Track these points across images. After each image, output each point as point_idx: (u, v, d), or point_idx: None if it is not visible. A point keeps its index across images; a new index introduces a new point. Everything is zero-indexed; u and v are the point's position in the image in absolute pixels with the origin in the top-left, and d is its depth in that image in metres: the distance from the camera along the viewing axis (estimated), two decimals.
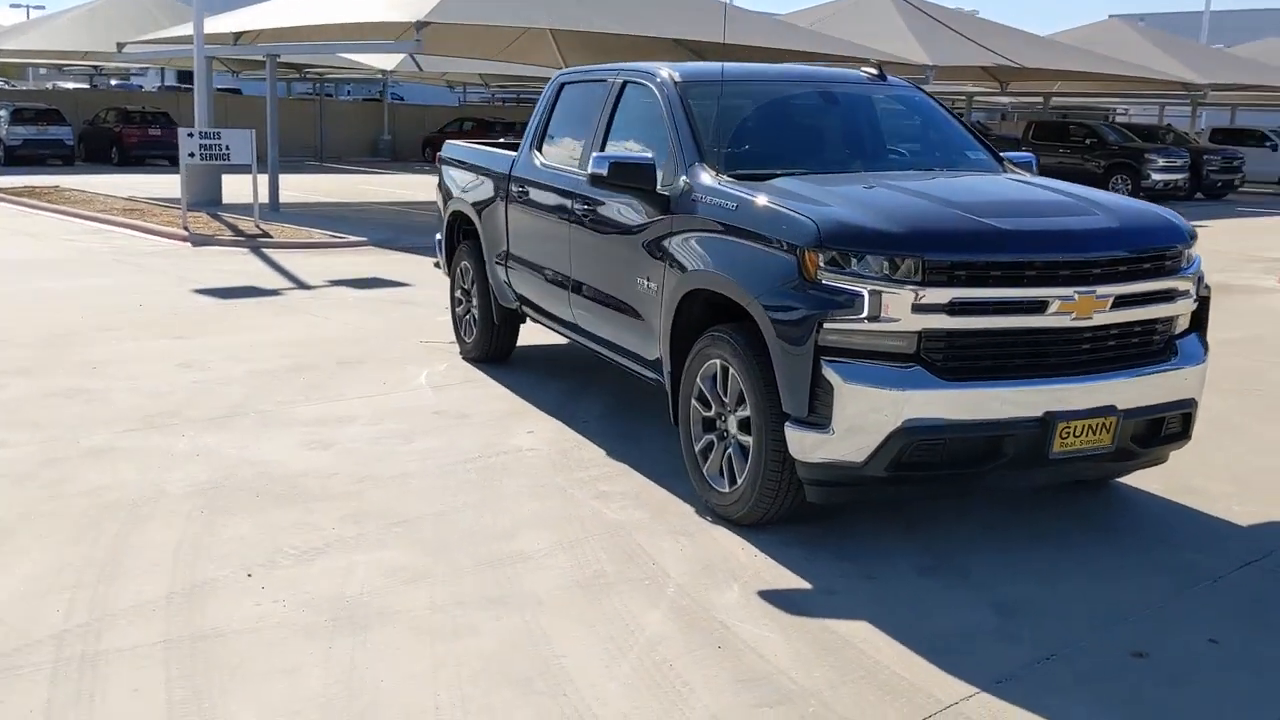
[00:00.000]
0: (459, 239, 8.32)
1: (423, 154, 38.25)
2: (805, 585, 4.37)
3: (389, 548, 4.67)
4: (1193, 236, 4.84)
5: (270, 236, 14.94)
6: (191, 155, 15.38)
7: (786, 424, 4.49)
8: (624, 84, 6.23)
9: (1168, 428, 4.81)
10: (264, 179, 17.14)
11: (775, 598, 4.25)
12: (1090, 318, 4.46)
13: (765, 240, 4.65)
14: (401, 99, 50.92)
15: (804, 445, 4.45)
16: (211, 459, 5.74)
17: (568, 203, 6.30)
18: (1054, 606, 4.24)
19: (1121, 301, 4.54)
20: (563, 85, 7.00)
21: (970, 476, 4.50)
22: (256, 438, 6.12)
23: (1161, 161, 26.74)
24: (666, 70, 5.95)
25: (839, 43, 21.28)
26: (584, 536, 4.83)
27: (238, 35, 19.19)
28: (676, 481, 5.49)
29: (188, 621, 3.97)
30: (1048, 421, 4.39)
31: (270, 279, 11.74)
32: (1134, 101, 42.31)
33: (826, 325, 4.33)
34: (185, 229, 15.09)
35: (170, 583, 4.27)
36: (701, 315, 5.22)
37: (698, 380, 5.10)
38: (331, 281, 11.68)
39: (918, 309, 4.28)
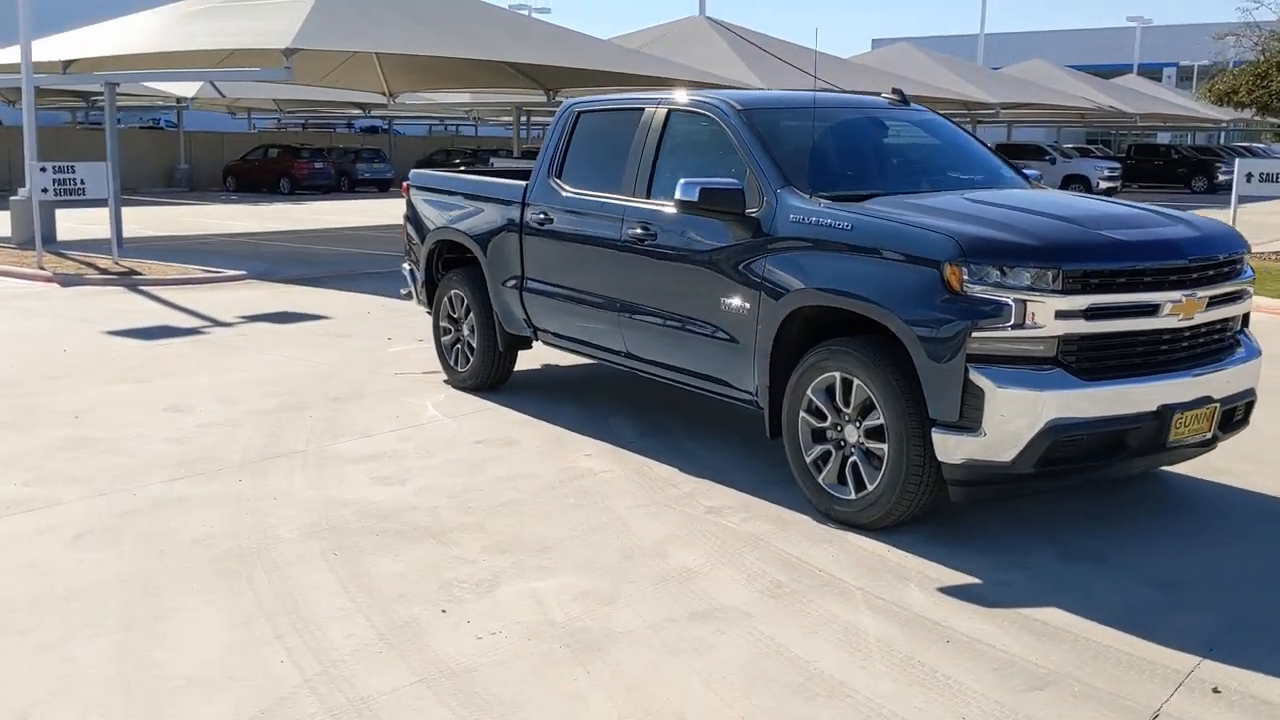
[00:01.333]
0: (439, 268, 8.28)
1: (223, 183, 36.96)
2: (974, 580, 4.67)
3: (557, 574, 4.72)
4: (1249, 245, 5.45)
5: (140, 274, 14.28)
6: (45, 191, 14.55)
7: (934, 429, 4.78)
8: (668, 113, 6.41)
9: (1238, 415, 5.36)
10: (103, 213, 16.32)
11: (959, 593, 4.53)
12: (1192, 318, 4.95)
13: (897, 256, 4.94)
14: (175, 125, 48.88)
15: (952, 448, 4.76)
16: (295, 502, 5.62)
17: (615, 229, 6.42)
18: (1202, 580, 4.68)
19: (1213, 302, 5.05)
20: (579, 114, 7.11)
21: (1100, 468, 4.90)
22: (320, 478, 6.01)
23: None
24: (725, 99, 6.18)
25: (684, 68, 21.84)
26: (731, 550, 4.99)
27: (67, 63, 18.19)
28: (770, 490, 5.73)
29: (426, 660, 3.95)
30: (1163, 414, 4.84)
31: (178, 318, 11.28)
32: None
33: (974, 334, 4.64)
34: (42, 268, 14.25)
35: (371, 624, 4.22)
36: (800, 332, 5.46)
37: (808, 393, 5.34)
38: (245, 317, 11.32)
39: (1059, 315, 4.65)
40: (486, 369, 7.86)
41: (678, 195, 5.68)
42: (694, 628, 4.21)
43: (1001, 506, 5.47)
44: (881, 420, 5.02)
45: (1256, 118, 43.68)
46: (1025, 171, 6.65)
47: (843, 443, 5.26)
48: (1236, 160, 16.98)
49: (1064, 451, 4.74)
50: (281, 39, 14.97)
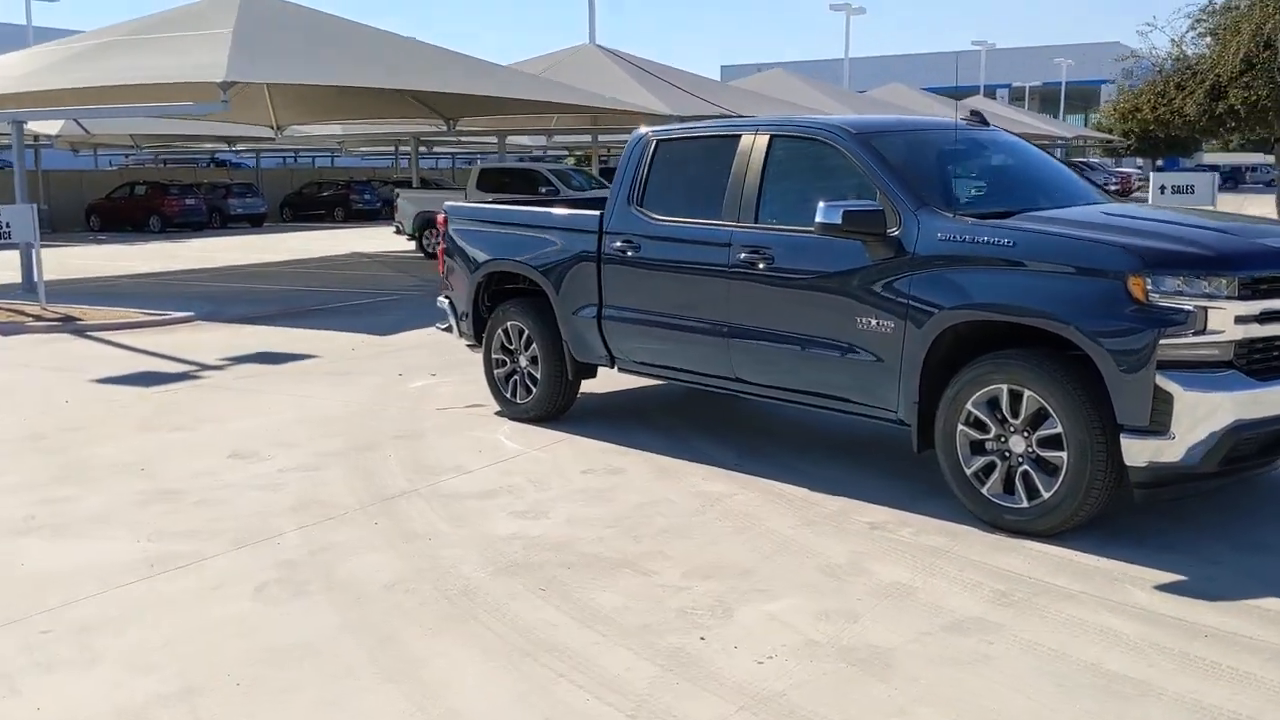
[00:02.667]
0: (485, 300, 8.20)
1: (87, 222, 35.46)
2: (1179, 577, 4.87)
3: (779, 595, 4.75)
4: None
5: (80, 319, 13.66)
6: None
7: (1122, 434, 4.99)
8: (771, 139, 6.51)
9: None
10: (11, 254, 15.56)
11: (1176, 590, 4.73)
12: None
13: (1070, 270, 5.14)
14: (8, 165, 46.57)
15: (1141, 452, 4.97)
16: (453, 541, 5.53)
17: (722, 254, 6.48)
18: None
19: None
20: (657, 143, 7.15)
21: (1269, 464, 5.18)
22: (457, 515, 5.93)
23: None
24: (835, 124, 6.32)
25: (595, 95, 21.95)
26: (926, 563, 5.10)
27: None
28: (916, 504, 5.89)
29: (726, 688, 3.94)
30: None
31: (157, 363, 10.84)
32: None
33: (1161, 342, 4.87)
34: None
35: (639, 655, 4.19)
36: (948, 348, 5.62)
37: (968, 406, 5.49)
38: (229, 359, 10.95)
39: (1237, 320, 4.92)
40: (552, 399, 7.80)
41: (819, 219, 5.77)
42: (956, 639, 4.28)
43: (1134, 505, 5.63)
44: (1059, 429, 5.18)
45: (1115, 138, 45.77)
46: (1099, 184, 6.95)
47: (1008, 453, 5.41)
48: (1151, 174, 17.96)
49: (1243, 449, 4.99)
50: (215, 72, 14.52)
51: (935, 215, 5.67)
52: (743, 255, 6.39)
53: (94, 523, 5.87)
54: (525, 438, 7.53)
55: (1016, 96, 67.28)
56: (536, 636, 4.36)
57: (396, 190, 24.35)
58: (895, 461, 6.70)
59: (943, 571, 4.98)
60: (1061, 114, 62.74)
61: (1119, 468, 5.10)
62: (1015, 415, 5.36)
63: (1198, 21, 23.10)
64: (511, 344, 7.98)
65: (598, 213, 7.37)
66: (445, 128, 25.49)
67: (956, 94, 47.11)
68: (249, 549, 5.44)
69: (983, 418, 5.46)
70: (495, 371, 8.14)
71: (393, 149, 44.00)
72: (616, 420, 7.94)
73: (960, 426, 5.54)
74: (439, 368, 10.11)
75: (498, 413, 8.23)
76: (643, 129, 7.43)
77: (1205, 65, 22.97)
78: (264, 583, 4.99)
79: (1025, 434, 5.34)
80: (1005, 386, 5.36)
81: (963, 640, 4.27)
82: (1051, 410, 5.19)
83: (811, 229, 6.03)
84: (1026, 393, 5.28)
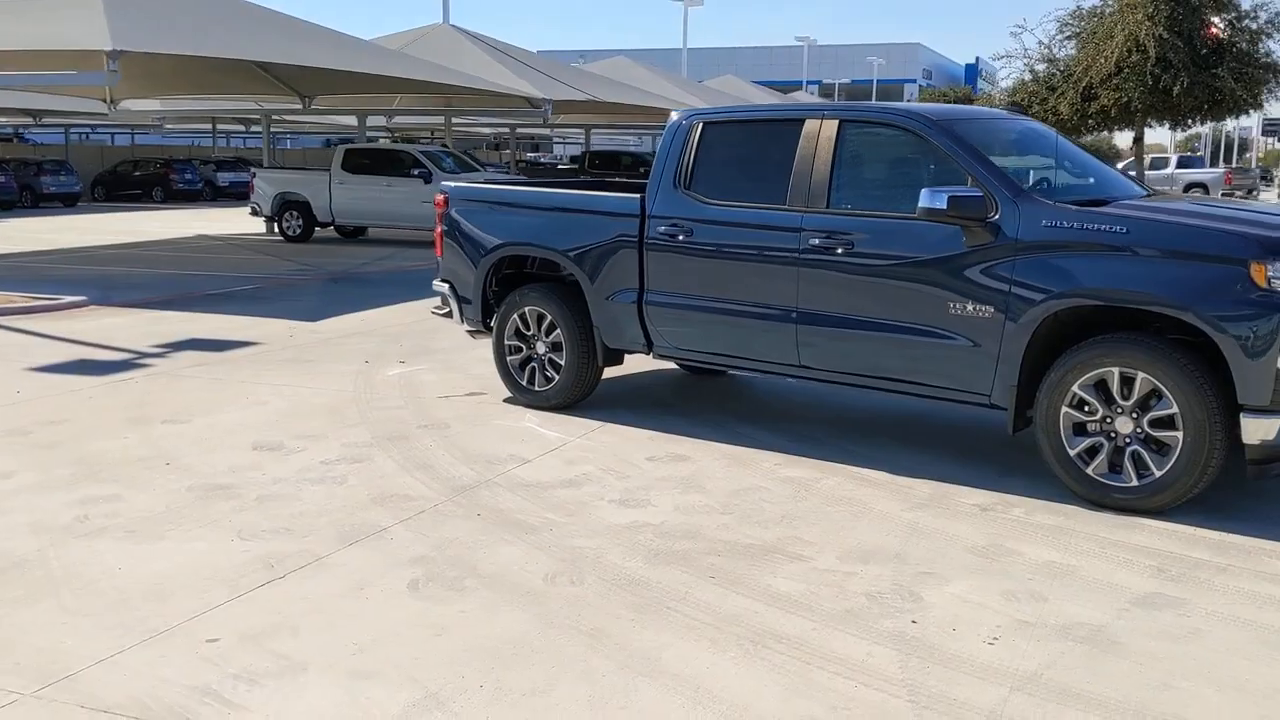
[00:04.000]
0: (492, 284, 7.98)
1: None
2: None
3: (951, 579, 4.79)
4: None
5: None
6: None
7: (1243, 414, 5.24)
8: (840, 124, 6.54)
9: None
10: None
11: None
12: None
13: (1188, 256, 5.36)
14: None
15: (1258, 430, 5.23)
16: (578, 530, 5.37)
17: (791, 239, 6.48)
18: None
19: None
20: (704, 125, 7.09)
21: None
22: (558, 504, 5.76)
23: None
24: (915, 111, 6.40)
25: (462, 75, 21.53)
26: (1066, 543, 5.23)
27: None
28: (1001, 483, 6.06)
29: (979, 669, 3.96)
30: None
31: (87, 352, 10.07)
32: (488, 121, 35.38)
33: None
34: None
35: (865, 640, 4.16)
36: (1048, 333, 5.78)
37: (1074, 389, 5.66)
38: (164, 346, 10.31)
39: None
40: (576, 386, 7.65)
41: (924, 204, 5.83)
42: (1154, 614, 4.42)
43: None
44: (1173, 409, 5.39)
45: None
46: None
47: (1113, 434, 5.60)
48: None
49: None
50: (101, 40, 13.59)
51: (1036, 202, 5.80)
52: (816, 241, 6.38)
53: (162, 522, 5.44)
54: (560, 426, 7.35)
55: (826, 93, 69.35)
56: (750, 624, 4.28)
57: (253, 170, 23.29)
58: (948, 442, 6.87)
59: (1087, 550, 5.11)
60: None
61: (1228, 446, 5.33)
62: (1125, 397, 5.53)
63: (1064, 25, 24.38)
64: (529, 330, 7.77)
65: (637, 196, 7.24)
66: (300, 105, 24.52)
67: (783, 88, 48.31)
68: (362, 546, 5.14)
69: (1088, 399, 5.62)
70: (509, 359, 7.91)
71: (210, 126, 42.03)
72: (637, 406, 7.85)
73: (1064, 409, 5.68)
74: (399, 355, 9.79)
75: (507, 400, 8.00)
76: (678, 112, 7.34)
77: (1079, 68, 24.27)
78: (412, 580, 4.73)
79: (1134, 415, 5.52)
80: (1116, 369, 5.53)
81: (1160, 615, 4.40)
82: (1167, 391, 5.39)
83: (898, 215, 6.08)
84: (1140, 375, 5.46)
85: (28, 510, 5.61)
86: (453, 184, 8.39)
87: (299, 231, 22.09)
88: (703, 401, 8.12)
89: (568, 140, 48.05)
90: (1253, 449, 5.28)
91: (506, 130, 37.03)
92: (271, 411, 7.72)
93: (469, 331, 8.41)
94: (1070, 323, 5.76)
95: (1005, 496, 5.85)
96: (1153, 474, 5.49)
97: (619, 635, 4.19)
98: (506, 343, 7.90)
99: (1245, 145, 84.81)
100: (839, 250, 6.32)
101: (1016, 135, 6.89)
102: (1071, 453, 5.70)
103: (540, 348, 7.73)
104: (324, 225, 22.26)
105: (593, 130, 34.52)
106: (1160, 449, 5.48)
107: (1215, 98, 23.02)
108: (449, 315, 8.34)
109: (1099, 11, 24.04)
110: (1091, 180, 6.73)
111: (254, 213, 23.01)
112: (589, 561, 4.94)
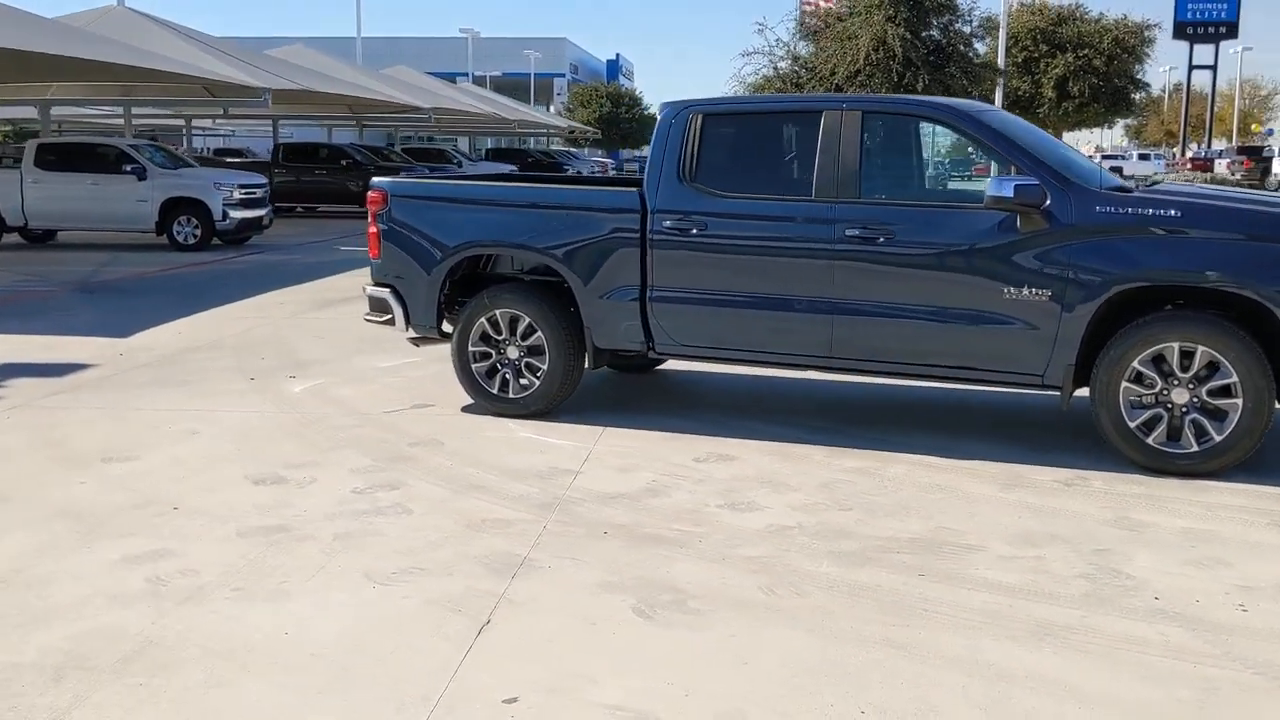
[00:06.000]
0: (446, 288, 7.51)
1: None
2: None
3: (1129, 551, 5.01)
4: None
5: None
6: None
7: None
8: (863, 115, 6.62)
9: None
10: None
11: None
12: None
13: (1239, 238, 5.85)
14: None
15: None
16: (740, 539, 5.14)
17: (824, 230, 6.50)
18: None
19: None
20: (704, 117, 6.96)
21: None
22: (674, 514, 5.50)
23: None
24: (947, 103, 6.58)
25: (181, 64, 19.85)
26: (1182, 510, 5.56)
27: None
28: (1055, 458, 6.33)
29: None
30: None
31: None
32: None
33: None
34: None
35: (1174, 626, 4.29)
36: (1104, 312, 6.12)
37: (1135, 364, 6.04)
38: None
39: None
40: (562, 390, 7.32)
41: (992, 193, 6.00)
42: None
43: None
44: (1233, 379, 5.86)
45: None
46: None
47: (1170, 405, 6.01)
48: None
49: None
50: None
51: (1086, 189, 6.11)
52: (852, 231, 6.42)
53: (262, 576, 4.74)
54: (561, 434, 7.00)
55: (479, 82, 69.24)
56: (1019, 618, 4.28)
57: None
58: (958, 424, 7.14)
59: (1202, 515, 5.46)
60: (532, 102, 65.66)
61: (1274, 409, 5.86)
62: (1184, 370, 5.94)
63: (801, 24, 25.53)
64: (500, 334, 7.32)
65: (634, 190, 7.00)
66: None
67: (449, 79, 47.80)
68: (527, 578, 4.71)
69: (1147, 373, 5.99)
70: (475, 366, 7.42)
71: None
72: (604, 409, 7.60)
73: (1124, 384, 6.03)
74: (276, 369, 8.97)
75: (465, 409, 7.53)
76: (667, 103, 7.15)
77: (826, 66, 25.49)
78: (634, 608, 4.38)
79: (1190, 386, 5.94)
80: (1176, 344, 5.92)
81: None
82: (1227, 363, 5.84)
83: (943, 203, 6.25)
84: (1200, 349, 5.89)
85: (78, 578, 4.72)
86: (386, 179, 7.74)
87: None
88: (661, 400, 7.96)
89: (240, 132, 45.16)
90: None
91: (179, 122, 34.40)
92: (217, 441, 6.86)
93: (411, 340, 7.80)
94: (1118, 304, 6.08)
95: (1073, 472, 6.12)
96: (1212, 439, 5.92)
97: (919, 643, 4.06)
98: (471, 349, 7.39)
99: None
100: (880, 240, 6.37)
101: (1022, 129, 7.18)
102: (1132, 425, 6.04)
103: (513, 352, 7.30)
104: (12, 230, 19.85)
105: (278, 122, 32.67)
106: (1218, 416, 5.90)
107: (950, 94, 25.03)
108: (389, 322, 7.70)
109: (837, 13, 25.51)
110: (1087, 168, 7.12)
111: None
112: (782, 570, 4.74)
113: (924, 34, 24.46)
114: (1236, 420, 5.86)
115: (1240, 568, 4.76)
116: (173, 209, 19.22)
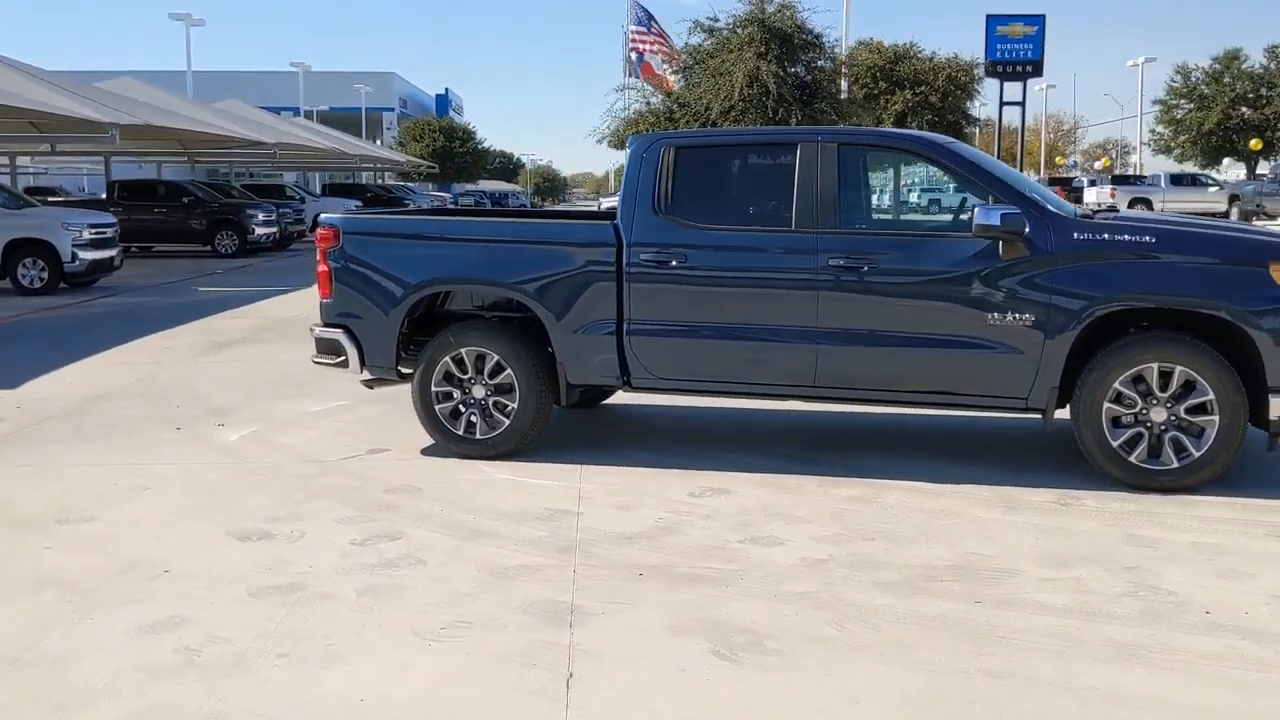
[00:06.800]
0: (404, 327, 7.29)
1: None
2: None
3: (1157, 568, 5.18)
4: None
5: None
6: None
7: (1273, 395, 6.10)
8: (839, 146, 6.70)
9: None
10: None
11: None
12: None
13: (1212, 261, 6.14)
14: None
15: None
16: (781, 575, 5.08)
17: (807, 260, 6.55)
18: None
19: None
20: (676, 150, 6.94)
21: None
22: (703, 551, 5.40)
23: (261, 216, 28.09)
24: (922, 136, 6.73)
25: (22, 98, 18.79)
26: (1184, 524, 5.77)
27: None
28: (1038, 479, 6.48)
29: None
30: None
31: None
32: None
33: None
34: None
35: (1229, 640, 4.44)
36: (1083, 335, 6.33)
37: (1115, 385, 6.26)
38: None
39: None
40: (533, 428, 7.16)
41: (980, 221, 6.14)
42: None
43: None
44: (1209, 396, 6.12)
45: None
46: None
47: (1149, 424, 6.25)
48: None
49: None
50: None
51: (1062, 217, 6.32)
52: (835, 261, 6.48)
53: (297, 642, 4.45)
54: (538, 474, 6.83)
55: (307, 118, 67.76)
56: (1098, 640, 4.33)
57: None
58: (930, 447, 7.26)
59: (1200, 529, 5.67)
60: (365, 136, 64.49)
61: (1247, 425, 6.15)
62: (1163, 389, 6.18)
63: (668, 59, 25.67)
64: (465, 373, 7.12)
65: (609, 223, 6.93)
66: None
67: (278, 112, 46.62)
68: (584, 625, 4.56)
69: (1127, 393, 6.21)
70: (438, 407, 7.19)
71: None
72: (567, 446, 7.43)
73: (1106, 404, 6.24)
74: (198, 417, 8.52)
75: (424, 451, 7.30)
76: (651, 135, 7.11)
77: (701, 102, 25.67)
78: (696, 651, 4.28)
79: (1168, 405, 6.19)
80: (1155, 365, 6.16)
81: None
82: (1204, 381, 6.10)
83: (924, 232, 6.41)
84: (1177, 368, 6.14)
85: (100, 652, 4.35)
86: (335, 215, 7.46)
87: None
88: (624, 434, 7.88)
89: (52, 170, 42.91)
90: (1275, 424, 6.10)
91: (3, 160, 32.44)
92: (171, 495, 6.47)
93: (366, 382, 7.52)
94: (1101, 326, 6.29)
95: (1063, 492, 6.28)
96: (1191, 455, 6.16)
97: (1013, 671, 4.08)
98: (434, 390, 7.15)
99: None
100: (864, 269, 6.44)
101: (990, 160, 7.37)
102: (1114, 444, 6.24)
103: (479, 391, 7.10)
104: None
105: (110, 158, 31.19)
106: (1194, 432, 6.15)
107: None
108: (342, 364, 7.39)
109: (706, 49, 25.83)
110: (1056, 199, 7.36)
111: None
112: (839, 604, 4.71)
113: (791, 70, 25.10)
114: (1214, 436, 6.10)
115: (1264, 578, 4.95)
116: (15, 251, 18.10)
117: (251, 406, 8.89)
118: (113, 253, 19.27)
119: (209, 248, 27.33)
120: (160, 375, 10.40)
